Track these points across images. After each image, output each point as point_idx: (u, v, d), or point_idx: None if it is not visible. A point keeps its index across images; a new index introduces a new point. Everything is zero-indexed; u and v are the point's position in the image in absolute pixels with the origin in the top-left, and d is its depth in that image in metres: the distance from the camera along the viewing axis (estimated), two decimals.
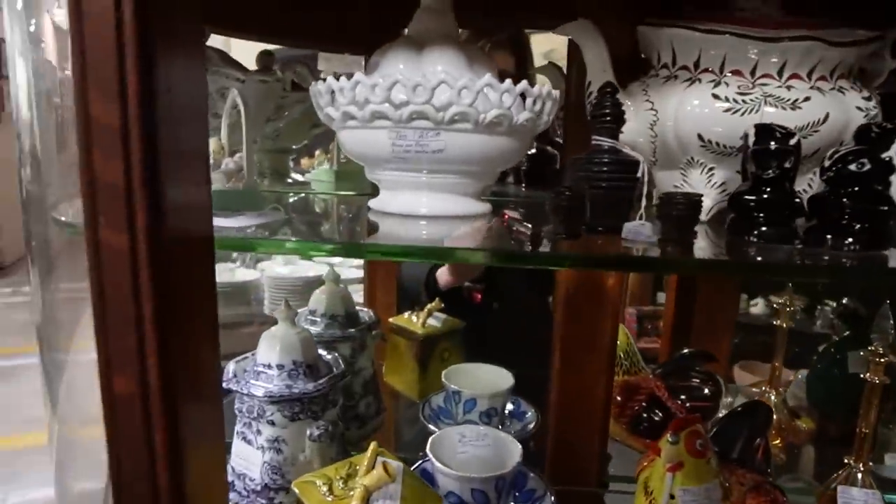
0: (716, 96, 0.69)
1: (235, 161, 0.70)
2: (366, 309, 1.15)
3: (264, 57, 1.09)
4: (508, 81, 0.66)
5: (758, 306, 2.63)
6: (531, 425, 1.10)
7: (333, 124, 0.71)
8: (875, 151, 0.57)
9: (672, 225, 0.60)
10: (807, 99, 0.67)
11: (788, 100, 0.67)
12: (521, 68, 1.57)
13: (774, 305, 1.10)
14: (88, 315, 0.46)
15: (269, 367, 0.85)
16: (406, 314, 1.28)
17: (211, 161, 0.71)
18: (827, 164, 0.58)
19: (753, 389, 1.19)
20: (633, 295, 2.77)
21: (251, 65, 0.96)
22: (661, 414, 1.08)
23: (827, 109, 0.67)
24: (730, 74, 0.70)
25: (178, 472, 0.48)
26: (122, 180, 0.42)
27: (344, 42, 1.34)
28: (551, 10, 0.83)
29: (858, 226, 0.57)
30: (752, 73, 0.69)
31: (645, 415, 1.09)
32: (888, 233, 0.58)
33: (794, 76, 0.68)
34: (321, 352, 0.93)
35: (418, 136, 0.65)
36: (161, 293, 0.44)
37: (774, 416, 1.11)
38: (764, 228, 0.60)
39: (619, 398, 1.12)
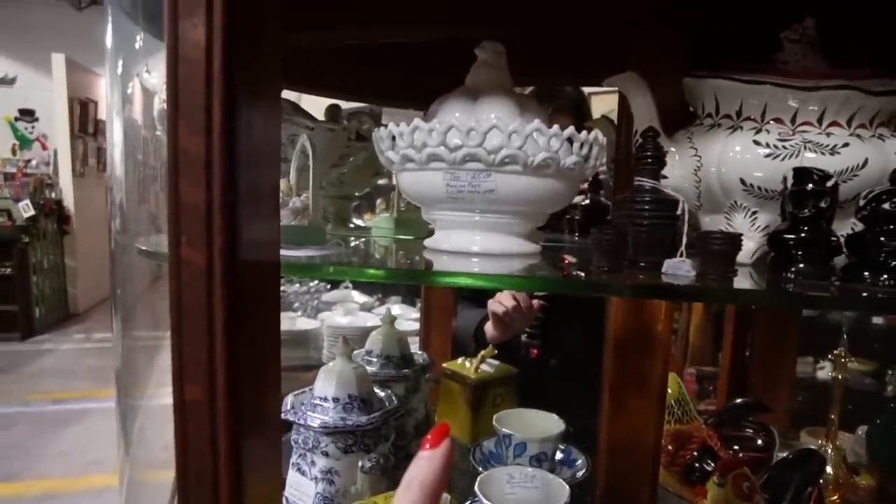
0: (757, 142, 0.72)
1: (302, 200, 0.76)
2: (420, 352, 1.19)
3: (332, 109, 1.17)
4: (556, 126, 0.70)
5: (824, 370, 2.57)
6: (581, 472, 1.10)
7: (393, 167, 0.77)
8: None
9: (711, 261, 0.63)
10: (846, 145, 0.69)
11: (828, 146, 0.69)
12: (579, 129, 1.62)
13: (830, 357, 1.09)
14: (163, 362, 0.52)
15: (325, 399, 0.89)
16: (460, 360, 1.31)
17: (280, 199, 0.77)
18: (862, 203, 0.60)
19: (810, 443, 1.17)
20: (694, 355, 2.72)
21: (320, 116, 1.03)
22: (713, 463, 1.08)
23: (866, 155, 0.69)
24: (771, 122, 0.73)
25: (240, 476, 0.52)
26: (204, 205, 0.48)
27: (407, 98, 1.42)
28: (604, 65, 0.87)
29: (894, 263, 0.58)
30: (793, 120, 0.72)
31: (697, 464, 1.09)
32: None
33: (834, 123, 0.71)
34: (376, 389, 0.97)
35: (471, 177, 0.70)
36: (232, 308, 0.49)
37: (832, 471, 1.09)
38: (801, 266, 0.62)
39: (670, 447, 1.12)
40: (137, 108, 1.16)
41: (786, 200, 0.64)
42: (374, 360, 1.11)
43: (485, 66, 0.80)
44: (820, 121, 0.71)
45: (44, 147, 6.78)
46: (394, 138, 0.74)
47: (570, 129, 0.71)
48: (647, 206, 0.65)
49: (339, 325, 2.17)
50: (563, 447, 1.18)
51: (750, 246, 0.77)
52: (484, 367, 1.28)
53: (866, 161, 0.69)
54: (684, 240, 0.66)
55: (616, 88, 0.86)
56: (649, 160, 0.66)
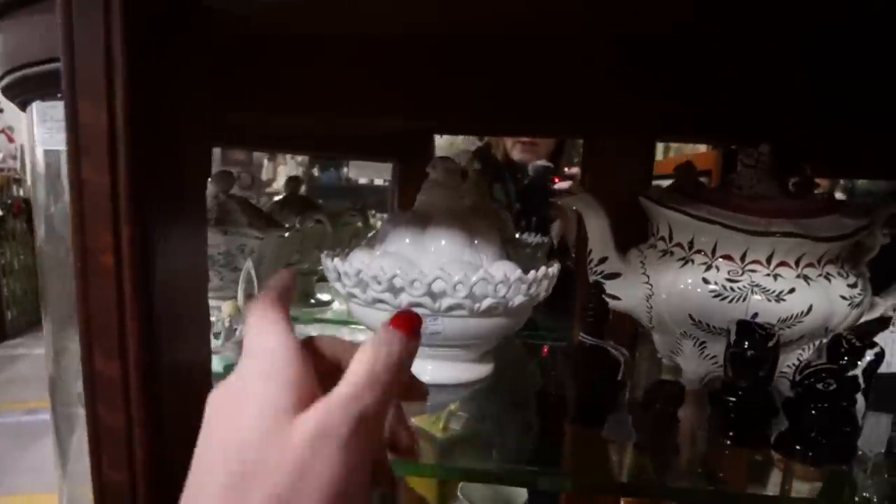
0: (706, 280, 0.71)
1: None
2: None
3: (292, 183, 1.16)
4: (504, 272, 0.70)
5: None
6: None
7: (342, 295, 0.76)
8: (844, 369, 0.59)
9: (654, 417, 0.64)
10: (792, 290, 0.69)
11: (774, 291, 0.69)
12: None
13: None
14: None
15: None
16: (428, 415, 1.32)
17: (226, 324, 0.77)
18: (798, 377, 0.60)
19: None
20: None
21: None
22: None
23: (811, 301, 0.69)
24: (721, 259, 0.72)
25: None
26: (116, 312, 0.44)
27: (373, 151, 1.40)
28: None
29: (823, 441, 0.59)
30: (742, 258, 0.72)
31: None
32: (849, 448, 0.62)
33: (783, 264, 0.71)
34: None
35: None
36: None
37: None
38: (738, 431, 0.63)
39: None
40: None
41: (726, 361, 0.64)
42: None
43: (436, 187, 0.79)
44: (769, 261, 0.71)
45: (10, 140, 6.45)
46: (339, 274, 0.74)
47: (518, 273, 0.71)
48: (587, 367, 0.66)
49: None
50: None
51: (699, 372, 0.77)
52: (452, 423, 1.29)
53: (811, 308, 0.69)
54: (626, 395, 0.67)
55: None
56: (591, 316, 0.66)
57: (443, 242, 0.74)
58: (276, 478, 0.27)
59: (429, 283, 0.67)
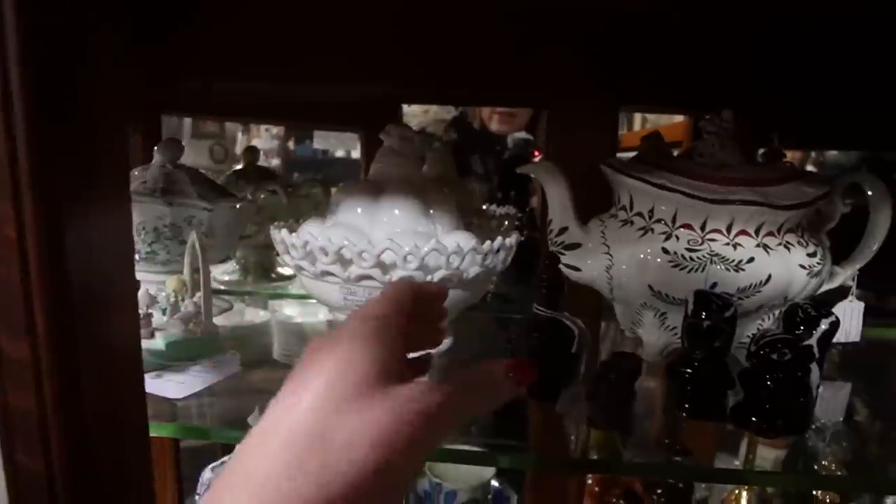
0: (665, 250, 0.70)
1: (195, 303, 0.73)
2: None
3: (249, 153, 1.12)
4: (458, 242, 0.68)
5: None
6: None
7: (291, 268, 0.74)
8: (798, 339, 0.58)
9: (610, 390, 0.62)
10: (751, 260, 0.68)
11: (733, 260, 0.68)
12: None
13: None
14: None
15: None
16: None
17: (171, 300, 0.74)
18: (753, 348, 0.59)
19: None
20: None
21: None
22: None
23: (770, 270, 0.68)
24: (681, 228, 0.71)
25: None
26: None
27: (339, 121, 1.37)
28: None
29: (777, 412, 0.59)
30: (703, 227, 0.70)
31: None
32: (804, 419, 0.61)
33: (743, 232, 0.69)
34: None
35: (368, 293, 0.68)
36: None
37: None
38: (694, 403, 0.62)
39: (596, 488, 1.14)
40: None
41: (683, 333, 0.63)
42: None
43: (391, 155, 0.76)
44: (729, 229, 0.69)
45: None
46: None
47: (472, 244, 0.69)
48: (542, 340, 0.64)
49: (289, 317, 2.15)
50: (496, 484, 1.19)
51: (659, 344, 0.76)
52: None
53: (770, 277, 0.68)
54: (582, 369, 0.65)
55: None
56: (545, 288, 0.64)
57: (396, 212, 0.72)
58: (325, 436, 0.29)
59: (377, 254, 0.65)
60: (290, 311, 2.26)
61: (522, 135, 1.80)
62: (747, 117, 0.92)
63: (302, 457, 0.28)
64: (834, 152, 1.88)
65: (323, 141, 3.12)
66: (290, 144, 3.44)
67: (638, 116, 2.30)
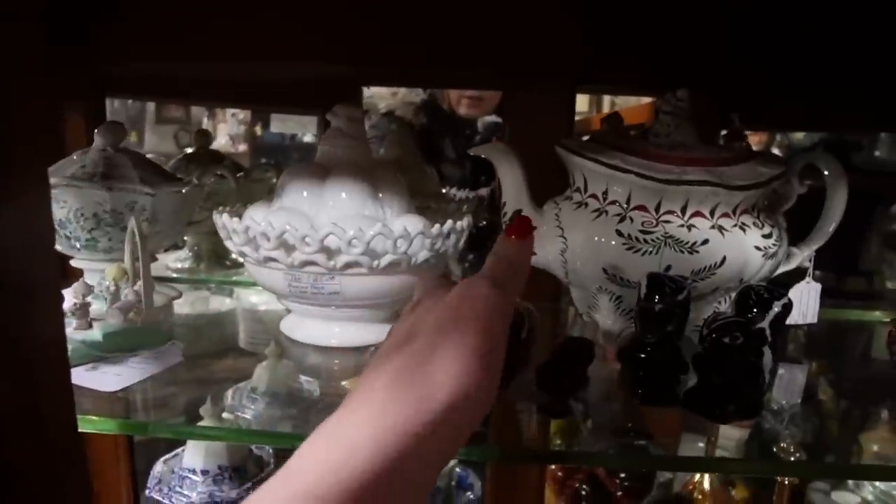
0: (619, 233, 0.68)
1: (136, 291, 0.70)
2: (312, 379, 1.16)
3: (201, 137, 1.09)
4: (404, 226, 0.66)
5: None
6: (477, 495, 1.11)
7: (236, 254, 0.71)
8: (751, 322, 0.57)
9: (564, 373, 0.61)
10: (705, 242, 0.66)
11: (687, 242, 0.67)
12: None
13: None
14: None
15: (194, 472, 0.85)
16: (355, 378, 1.28)
17: (112, 289, 0.71)
18: (705, 331, 0.58)
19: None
20: None
21: None
22: (598, 492, 1.09)
23: (724, 252, 0.67)
24: (635, 210, 0.69)
25: None
26: None
27: (298, 103, 1.34)
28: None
29: (730, 396, 0.58)
30: (657, 209, 0.68)
31: (583, 492, 1.10)
32: (756, 403, 0.61)
33: (697, 214, 0.68)
34: (253, 448, 0.94)
35: (313, 279, 0.66)
36: None
37: (708, 485, 1.12)
38: (646, 388, 0.60)
39: (559, 473, 1.13)
40: None
41: (636, 316, 0.61)
42: (258, 398, 1.07)
43: (338, 137, 0.73)
44: (683, 211, 0.68)
45: None
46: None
47: (420, 227, 0.66)
48: None
49: (255, 305, 2.11)
50: (459, 471, 1.18)
51: (616, 328, 0.75)
52: None
53: (724, 259, 0.67)
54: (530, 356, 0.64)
55: None
56: None
57: (343, 196, 0.69)
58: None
59: (321, 238, 0.63)
60: (256, 298, 2.23)
61: (493, 118, 1.78)
62: (710, 98, 0.90)
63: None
64: (800, 135, 1.88)
65: (281, 125, 3.06)
66: (258, 129, 3.39)
67: (607, 99, 2.29)
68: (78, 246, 0.80)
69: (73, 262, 0.85)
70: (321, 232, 0.62)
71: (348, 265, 0.64)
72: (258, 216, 0.68)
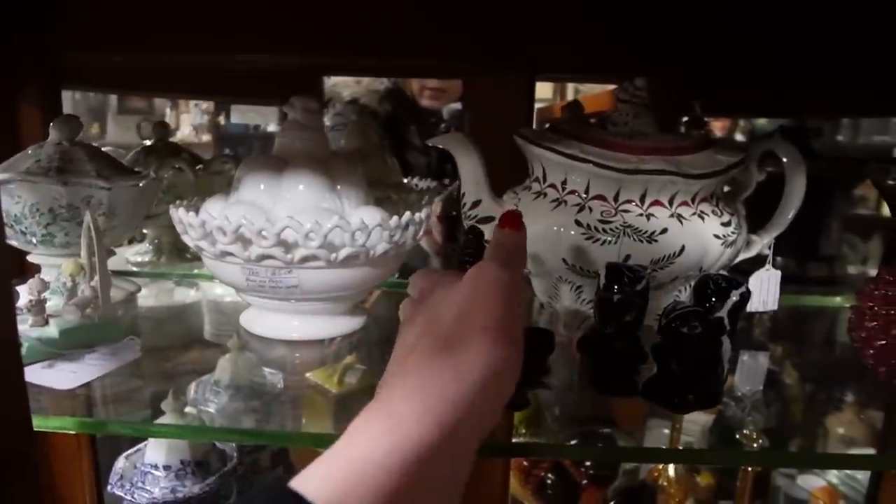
0: (579, 223, 0.68)
1: (93, 287, 0.68)
2: (276, 371, 1.15)
3: (159, 129, 1.07)
4: (362, 218, 0.65)
5: None
6: None
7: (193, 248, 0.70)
8: (709, 311, 0.57)
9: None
10: (664, 231, 0.67)
11: (646, 232, 0.67)
12: None
13: None
14: None
15: (156, 467, 0.84)
16: (323, 368, 1.27)
17: (69, 285, 0.70)
18: (664, 321, 0.58)
19: None
20: None
21: None
22: (564, 480, 1.10)
23: (683, 241, 0.67)
24: (594, 199, 0.69)
25: None
26: None
27: (257, 93, 1.32)
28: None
29: (688, 385, 0.58)
30: (616, 198, 0.69)
31: (549, 481, 1.11)
32: (715, 392, 0.60)
33: (656, 203, 0.68)
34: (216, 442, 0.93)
35: (271, 273, 0.65)
36: None
37: (673, 472, 1.14)
38: (605, 378, 0.60)
39: (525, 462, 1.14)
40: None
41: (594, 306, 0.61)
42: (221, 391, 1.06)
43: (295, 129, 0.72)
44: (642, 200, 0.68)
45: None
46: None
47: (378, 219, 0.66)
48: None
49: (219, 297, 2.09)
50: None
51: (576, 319, 0.75)
52: (348, 378, 1.25)
53: (683, 248, 0.67)
54: None
55: None
56: (469, 263, 0.62)
57: (300, 188, 0.68)
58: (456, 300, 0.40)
59: (277, 232, 0.62)
60: (221, 290, 2.20)
61: (458, 106, 1.76)
62: (671, 85, 0.90)
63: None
64: (762, 121, 1.90)
65: (242, 115, 3.02)
66: (222, 119, 3.34)
67: (571, 86, 2.29)
68: (34, 241, 0.78)
69: (30, 258, 0.83)
70: (278, 225, 0.62)
71: (306, 258, 0.64)
72: (214, 210, 0.67)
